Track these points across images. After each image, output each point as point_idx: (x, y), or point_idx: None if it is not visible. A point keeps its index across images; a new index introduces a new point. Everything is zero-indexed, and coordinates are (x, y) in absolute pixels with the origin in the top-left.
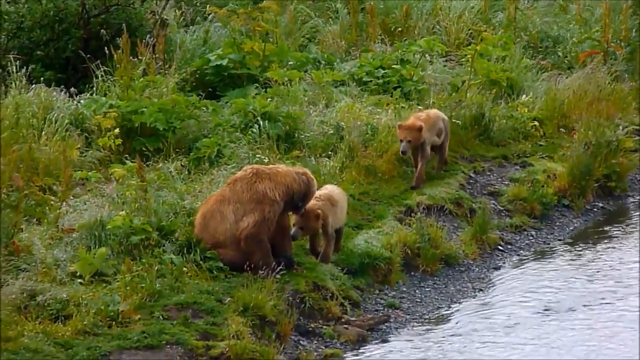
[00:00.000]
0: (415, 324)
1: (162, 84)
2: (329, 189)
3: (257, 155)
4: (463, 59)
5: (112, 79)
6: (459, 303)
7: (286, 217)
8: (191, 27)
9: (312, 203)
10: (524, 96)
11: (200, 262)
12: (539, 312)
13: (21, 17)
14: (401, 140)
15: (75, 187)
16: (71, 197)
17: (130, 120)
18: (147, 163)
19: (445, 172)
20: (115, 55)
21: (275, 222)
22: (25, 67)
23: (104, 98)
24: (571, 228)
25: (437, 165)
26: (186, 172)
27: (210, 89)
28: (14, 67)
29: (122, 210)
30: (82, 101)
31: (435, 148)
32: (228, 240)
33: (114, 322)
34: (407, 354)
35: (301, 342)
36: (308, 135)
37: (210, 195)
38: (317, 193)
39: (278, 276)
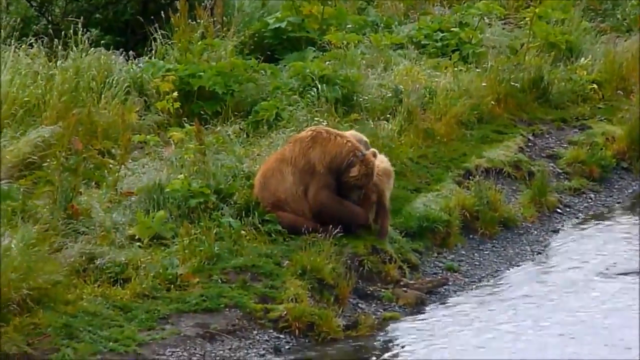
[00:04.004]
0: (473, 287)
1: (221, 47)
2: (384, 160)
3: (316, 119)
4: (522, 22)
5: (170, 43)
6: (518, 266)
7: None
8: None
9: None
10: (582, 59)
11: (259, 225)
12: (597, 275)
13: None
14: None
15: (134, 150)
16: (130, 161)
17: (188, 83)
18: (206, 126)
19: (504, 135)
20: (173, 19)
21: (334, 186)
22: (84, 31)
23: (162, 62)
24: (630, 191)
25: None
26: (244, 136)
27: (268, 52)
28: (73, 31)
29: (181, 174)
30: (140, 65)
31: None
32: (289, 199)
33: (172, 286)
34: (466, 317)
35: (360, 305)
36: (366, 98)
37: (271, 155)
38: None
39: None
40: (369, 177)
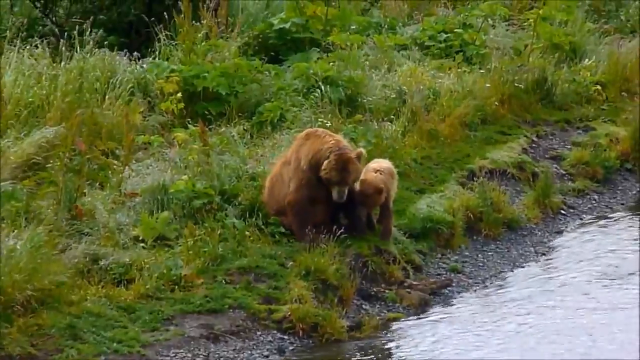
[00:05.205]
0: (477, 288)
1: (225, 48)
2: (386, 162)
3: (320, 120)
4: (525, 23)
5: (174, 44)
6: (522, 267)
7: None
8: None
9: (373, 176)
10: (586, 60)
11: (263, 226)
12: (601, 277)
13: None
14: None
15: (138, 151)
16: (134, 162)
17: (192, 84)
18: (210, 127)
19: (507, 136)
20: (177, 20)
21: (313, 190)
22: (89, 32)
23: (166, 62)
24: (633, 192)
25: None
26: (248, 136)
27: (272, 53)
28: (77, 32)
29: (185, 175)
30: (144, 65)
31: None
32: None
33: (176, 286)
34: (470, 318)
35: (363, 306)
36: (370, 99)
37: (279, 157)
38: (379, 166)
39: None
40: (340, 172)
